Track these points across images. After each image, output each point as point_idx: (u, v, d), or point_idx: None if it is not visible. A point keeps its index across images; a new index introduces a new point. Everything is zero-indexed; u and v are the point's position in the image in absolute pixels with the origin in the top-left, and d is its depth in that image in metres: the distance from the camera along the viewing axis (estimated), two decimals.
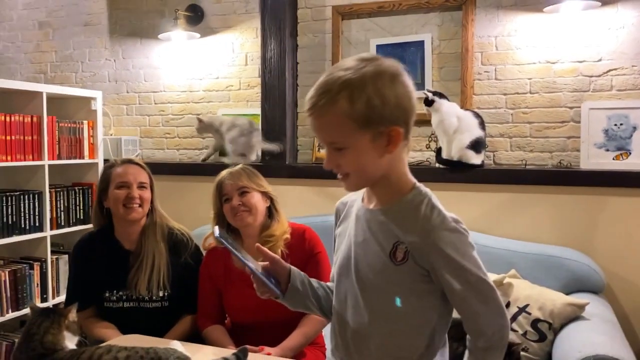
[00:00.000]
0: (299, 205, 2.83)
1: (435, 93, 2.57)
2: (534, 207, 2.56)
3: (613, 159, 2.50)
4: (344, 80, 1.03)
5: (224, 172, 2.02)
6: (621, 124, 2.50)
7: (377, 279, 1.11)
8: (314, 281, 1.27)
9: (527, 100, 2.67)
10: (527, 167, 2.65)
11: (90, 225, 3.05)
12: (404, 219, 1.09)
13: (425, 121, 2.62)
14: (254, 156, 3.00)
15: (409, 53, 2.82)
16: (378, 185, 1.13)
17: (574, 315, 2.04)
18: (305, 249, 1.99)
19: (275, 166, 2.93)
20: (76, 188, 3.07)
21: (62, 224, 2.98)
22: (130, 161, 2.11)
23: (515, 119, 2.70)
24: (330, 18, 2.97)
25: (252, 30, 3.17)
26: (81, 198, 3.09)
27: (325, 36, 3.00)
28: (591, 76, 2.57)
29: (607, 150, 2.52)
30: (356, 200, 1.21)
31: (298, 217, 2.44)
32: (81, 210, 3.08)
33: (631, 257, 2.42)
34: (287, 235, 1.98)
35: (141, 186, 2.05)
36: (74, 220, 3.05)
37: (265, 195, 2.02)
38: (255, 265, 1.17)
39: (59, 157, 2.94)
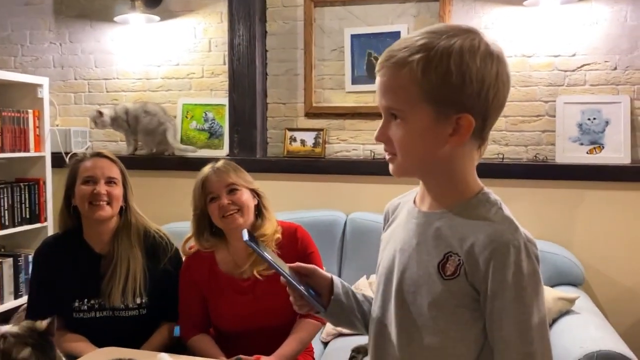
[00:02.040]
0: (272, 201, 2.69)
1: None
2: (512, 201, 2.52)
3: (587, 152, 2.54)
4: (427, 43, 0.87)
5: (207, 168, 1.85)
6: (594, 119, 2.54)
7: (419, 295, 0.94)
8: (358, 294, 1.12)
9: None
10: (503, 160, 2.64)
11: (37, 225, 2.80)
12: (462, 226, 0.91)
13: None
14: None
15: (385, 44, 2.73)
16: (434, 182, 0.96)
17: (565, 309, 2.05)
18: (297, 249, 1.87)
19: (244, 160, 2.77)
20: (21, 184, 2.78)
21: (7, 223, 2.69)
22: (99, 154, 1.90)
23: None
24: (302, 5, 2.84)
25: (216, 14, 2.98)
26: (27, 195, 2.80)
27: (297, 23, 2.87)
28: (566, 71, 2.59)
29: (582, 144, 2.56)
30: (409, 201, 1.05)
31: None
32: (27, 209, 2.80)
33: (607, 249, 2.47)
34: (279, 235, 1.86)
35: (110, 181, 1.84)
36: (19, 220, 2.76)
37: (254, 192, 1.88)
38: (292, 275, 1.02)
39: (2, 150, 2.65)
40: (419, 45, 0.88)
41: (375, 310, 1.04)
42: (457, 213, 0.93)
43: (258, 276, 1.79)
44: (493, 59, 0.88)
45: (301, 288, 1.00)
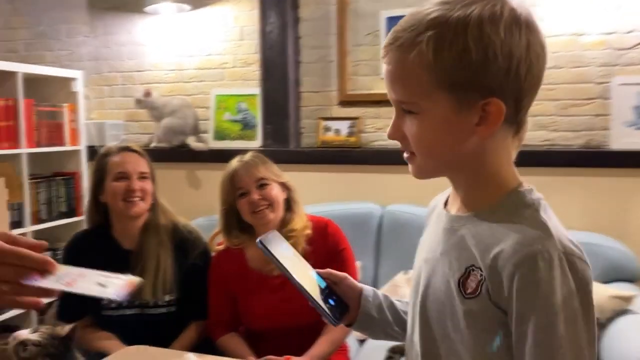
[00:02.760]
0: (305, 193, 2.60)
1: None
2: (560, 191, 2.39)
3: None
4: (437, 17, 0.72)
5: (235, 162, 1.78)
6: None
7: (443, 315, 0.79)
8: (399, 304, 0.99)
9: (551, 76, 2.48)
10: (552, 148, 2.47)
11: (74, 219, 2.82)
12: (488, 233, 0.75)
13: None
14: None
15: None
16: (462, 181, 0.81)
17: (620, 308, 1.89)
18: (328, 245, 1.78)
19: (277, 151, 2.70)
20: (58, 178, 2.81)
21: (44, 218, 2.71)
22: (127, 148, 1.86)
23: (538, 96, 2.50)
24: None
25: (247, 1, 2.89)
26: (64, 189, 2.82)
27: (330, 8, 2.75)
28: (621, 49, 2.39)
29: (638, 128, 2.36)
30: (442, 200, 0.90)
31: (305, 206, 2.23)
32: (64, 203, 2.82)
33: None
34: (309, 231, 1.77)
35: (142, 177, 1.81)
36: (57, 214, 2.78)
37: (283, 186, 1.80)
38: (308, 287, 0.89)
39: (38, 145, 2.67)
40: (428, 20, 0.72)
41: (407, 325, 0.92)
42: (485, 217, 0.77)
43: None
44: (521, 26, 0.72)
45: (315, 301, 0.89)
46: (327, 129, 2.76)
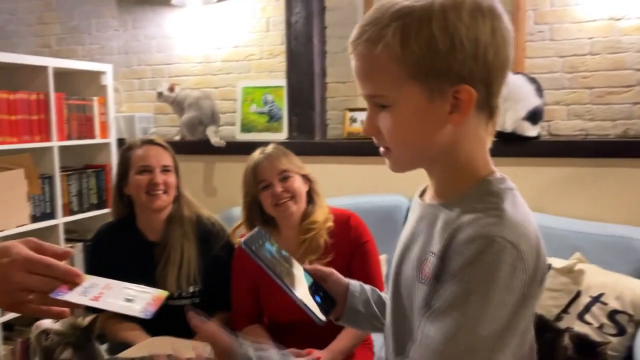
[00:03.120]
0: (331, 185, 2.58)
1: None
2: (596, 182, 2.30)
3: None
4: (400, 8, 0.73)
5: (257, 155, 1.77)
6: None
7: (407, 299, 0.83)
8: (386, 296, 0.99)
9: (587, 63, 2.38)
10: (588, 137, 2.38)
11: (105, 210, 2.86)
12: (452, 222, 0.77)
13: None
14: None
15: None
16: (436, 169, 0.82)
17: None
18: (350, 238, 1.76)
19: (303, 143, 2.68)
20: (89, 170, 2.85)
21: (76, 209, 2.76)
22: (151, 141, 1.87)
23: (573, 84, 2.42)
24: None
25: None
26: (95, 181, 2.87)
27: None
28: None
29: None
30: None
31: (330, 198, 2.21)
32: (95, 195, 2.87)
33: None
34: (331, 223, 1.75)
35: (165, 170, 1.82)
36: (88, 206, 2.83)
37: (305, 178, 1.78)
38: (293, 285, 0.90)
39: (69, 138, 2.72)
40: (392, 12, 0.73)
41: (386, 313, 0.94)
42: (454, 205, 0.78)
43: (309, 267, 1.69)
44: (484, 12, 0.73)
45: (298, 296, 0.89)
46: (354, 120, 2.72)
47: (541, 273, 0.75)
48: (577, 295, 1.90)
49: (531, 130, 2.27)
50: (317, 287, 0.94)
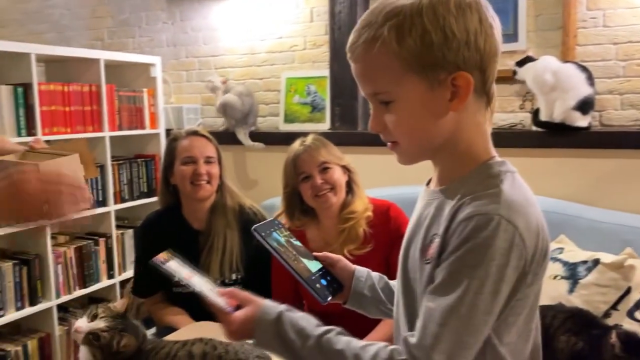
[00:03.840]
0: (373, 176, 2.57)
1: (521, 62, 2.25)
2: None
3: None
4: (392, 8, 0.77)
5: (296, 145, 1.79)
6: None
7: (412, 280, 0.87)
8: (393, 283, 1.03)
9: None
10: None
11: (154, 199, 2.95)
12: (452, 204, 0.81)
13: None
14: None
15: (501, 2, 2.46)
16: (439, 156, 0.86)
17: None
18: (390, 229, 1.76)
19: (345, 134, 2.68)
20: (139, 160, 2.94)
21: (126, 197, 2.86)
22: (195, 133, 1.92)
23: (627, 73, 2.32)
24: None
25: None
26: (144, 170, 2.96)
27: None
28: None
29: None
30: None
31: (371, 189, 2.21)
32: (145, 183, 2.96)
33: None
34: (370, 213, 1.76)
35: (208, 161, 1.86)
36: (138, 194, 2.93)
37: (344, 168, 1.79)
38: (298, 268, 0.97)
39: (120, 128, 2.81)
40: (385, 13, 0.78)
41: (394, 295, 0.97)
42: (455, 189, 0.82)
43: (348, 255, 1.71)
44: (470, 4, 0.78)
45: (303, 278, 0.96)
46: None
47: (541, 252, 0.79)
48: (627, 291, 1.84)
49: (581, 121, 2.20)
50: (326, 272, 1.01)
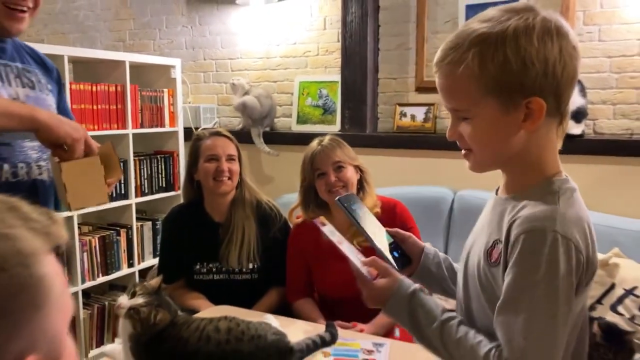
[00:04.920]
0: (380, 176, 2.73)
1: None
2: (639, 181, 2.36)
3: None
4: (479, 35, 0.84)
5: (314, 144, 1.96)
6: None
7: (473, 277, 0.96)
8: (457, 265, 1.14)
9: (634, 64, 2.43)
10: (633, 137, 2.44)
11: (172, 193, 3.13)
12: (512, 212, 0.89)
13: None
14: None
15: None
16: (509, 168, 0.94)
17: None
18: (396, 224, 1.87)
19: (355, 136, 2.84)
20: (158, 156, 3.11)
21: (146, 191, 3.03)
22: (218, 133, 2.09)
23: (620, 84, 2.48)
24: None
25: None
26: (163, 166, 3.12)
27: None
28: None
29: None
30: None
31: (379, 188, 2.36)
32: (163, 179, 3.13)
33: None
34: (378, 209, 1.92)
35: (230, 159, 2.03)
36: (157, 188, 3.09)
37: (357, 168, 1.95)
38: (375, 239, 1.07)
39: (142, 126, 2.98)
40: (472, 39, 0.85)
41: (457, 284, 1.07)
42: (520, 199, 0.90)
43: (358, 246, 1.86)
44: (552, 35, 0.84)
45: (381, 249, 1.06)
46: (403, 115, 2.87)
47: (592, 266, 0.87)
48: (611, 287, 2.00)
49: (575, 129, 2.36)
50: (396, 246, 1.11)
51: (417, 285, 0.99)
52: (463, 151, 0.95)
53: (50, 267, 0.51)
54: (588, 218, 0.90)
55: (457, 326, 0.92)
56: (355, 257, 1.04)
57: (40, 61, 1.59)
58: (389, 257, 1.06)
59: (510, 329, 0.84)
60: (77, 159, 1.35)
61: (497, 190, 1.00)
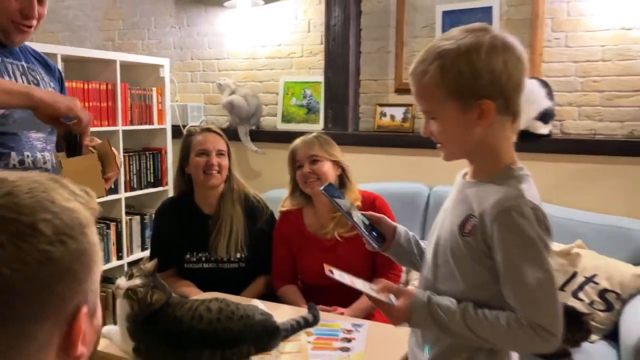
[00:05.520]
0: (361, 172, 2.87)
1: None
2: (602, 178, 2.53)
3: None
4: (440, 51, 1.04)
5: (298, 140, 2.09)
6: None
7: (447, 248, 1.12)
8: (422, 242, 1.31)
9: (598, 68, 2.61)
10: (596, 137, 2.61)
11: (160, 188, 3.23)
12: (484, 193, 1.07)
13: None
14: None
15: (476, 19, 2.70)
16: (473, 157, 1.13)
17: None
18: None
19: (337, 134, 2.97)
20: (147, 152, 3.21)
21: (135, 186, 3.13)
22: (209, 129, 2.21)
23: (585, 88, 2.65)
24: None
25: None
26: (152, 162, 3.23)
27: (390, 2, 2.98)
28: None
29: None
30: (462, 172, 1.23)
31: (360, 184, 2.49)
32: (152, 174, 3.23)
33: None
34: (359, 203, 2.05)
35: (220, 154, 2.14)
36: (145, 183, 3.19)
37: (337, 164, 2.08)
38: (357, 221, 1.24)
39: (131, 123, 3.07)
40: (435, 54, 1.04)
41: (425, 255, 1.25)
42: (484, 183, 1.09)
43: (339, 238, 2.01)
44: (498, 50, 1.02)
45: (362, 229, 1.23)
46: (383, 115, 3.01)
47: (550, 227, 1.05)
48: (573, 275, 2.16)
49: (543, 129, 2.52)
50: (372, 227, 1.27)
51: (428, 292, 1.12)
52: (438, 145, 1.12)
53: (96, 235, 0.62)
54: (538, 197, 1.08)
55: (473, 309, 1.05)
56: (369, 289, 1.17)
57: (43, 61, 1.70)
58: (369, 235, 1.23)
59: (517, 292, 1.01)
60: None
61: (464, 175, 1.18)
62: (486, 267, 1.05)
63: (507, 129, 1.08)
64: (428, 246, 1.22)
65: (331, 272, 1.20)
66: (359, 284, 1.19)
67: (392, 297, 1.13)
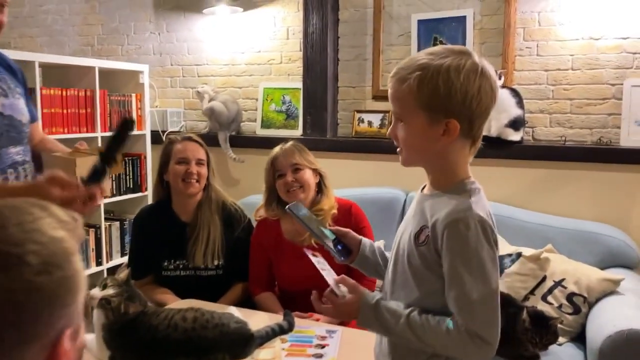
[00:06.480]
0: (339, 178, 2.92)
1: None
2: (572, 183, 2.61)
3: None
4: (422, 63, 1.08)
5: (277, 149, 2.12)
6: None
7: (404, 256, 1.16)
8: (387, 253, 1.34)
9: (568, 77, 2.68)
10: (566, 143, 2.68)
11: (139, 194, 3.24)
12: (438, 206, 1.11)
13: None
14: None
15: (450, 28, 2.84)
16: (429, 168, 1.17)
17: (609, 290, 2.12)
18: (351, 224, 2.09)
19: (316, 140, 3.02)
20: (126, 158, 3.21)
21: (114, 192, 3.13)
22: (189, 138, 2.23)
23: (555, 95, 2.72)
24: None
25: (293, 3, 3.21)
26: (131, 168, 3.23)
27: (367, 11, 3.03)
28: (635, 53, 2.56)
29: None
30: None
31: (338, 189, 2.54)
32: (131, 180, 3.24)
33: None
34: (335, 210, 2.09)
35: (199, 163, 2.17)
36: (125, 189, 3.20)
37: (315, 171, 2.12)
38: (322, 236, 1.28)
39: (110, 129, 3.08)
40: (417, 65, 1.08)
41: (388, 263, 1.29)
42: (440, 195, 1.13)
43: (315, 245, 2.04)
44: (477, 74, 1.07)
45: (328, 244, 1.28)
46: (361, 121, 3.06)
47: (497, 240, 1.11)
48: (543, 279, 2.22)
49: (514, 136, 2.59)
50: (339, 241, 1.31)
51: (379, 295, 1.16)
52: (398, 149, 1.16)
53: (81, 262, 0.65)
54: (490, 209, 1.14)
55: (419, 315, 1.09)
56: (332, 280, 1.23)
57: (7, 65, 1.68)
58: (333, 249, 1.27)
59: (458, 299, 1.05)
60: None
61: (422, 189, 1.23)
62: (438, 276, 1.09)
63: (466, 149, 1.13)
64: (391, 254, 1.27)
65: (314, 254, 1.27)
66: (325, 272, 1.25)
67: (344, 289, 1.17)
